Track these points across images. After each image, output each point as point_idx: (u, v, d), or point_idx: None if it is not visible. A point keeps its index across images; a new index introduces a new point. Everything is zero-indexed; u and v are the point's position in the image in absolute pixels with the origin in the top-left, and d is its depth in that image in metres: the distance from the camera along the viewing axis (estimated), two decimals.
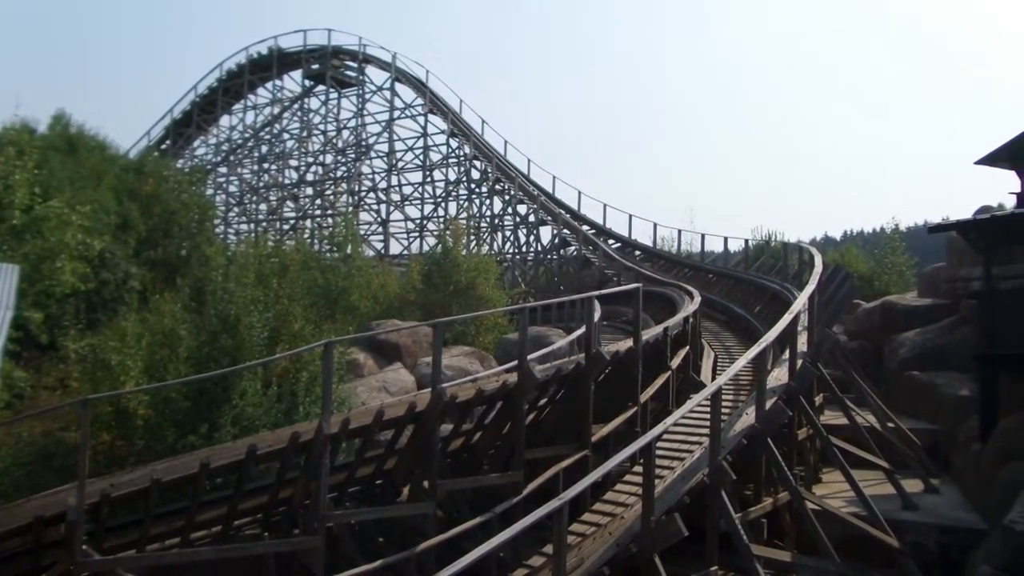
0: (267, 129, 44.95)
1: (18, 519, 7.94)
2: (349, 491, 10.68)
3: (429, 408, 9.43)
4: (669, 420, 8.81)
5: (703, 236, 28.56)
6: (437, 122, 38.99)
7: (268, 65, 44.51)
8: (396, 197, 39.68)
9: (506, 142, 38.04)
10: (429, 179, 38.95)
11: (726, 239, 27.19)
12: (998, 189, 31.47)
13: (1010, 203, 16.35)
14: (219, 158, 45.88)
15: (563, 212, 33.71)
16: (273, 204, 43.50)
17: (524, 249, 34.64)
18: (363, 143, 41.35)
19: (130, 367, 13.08)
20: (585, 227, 32.98)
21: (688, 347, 13.69)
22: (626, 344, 12.01)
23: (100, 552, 8.12)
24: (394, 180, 39.84)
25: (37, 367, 14.90)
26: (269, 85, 45.28)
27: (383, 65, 40.98)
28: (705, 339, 17.07)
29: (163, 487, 8.36)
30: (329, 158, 42.47)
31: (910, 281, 26.93)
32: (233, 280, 15.07)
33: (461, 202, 37.68)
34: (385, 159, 40.30)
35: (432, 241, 34.49)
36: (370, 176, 41.23)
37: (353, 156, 41.54)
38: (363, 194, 40.87)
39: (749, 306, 20.46)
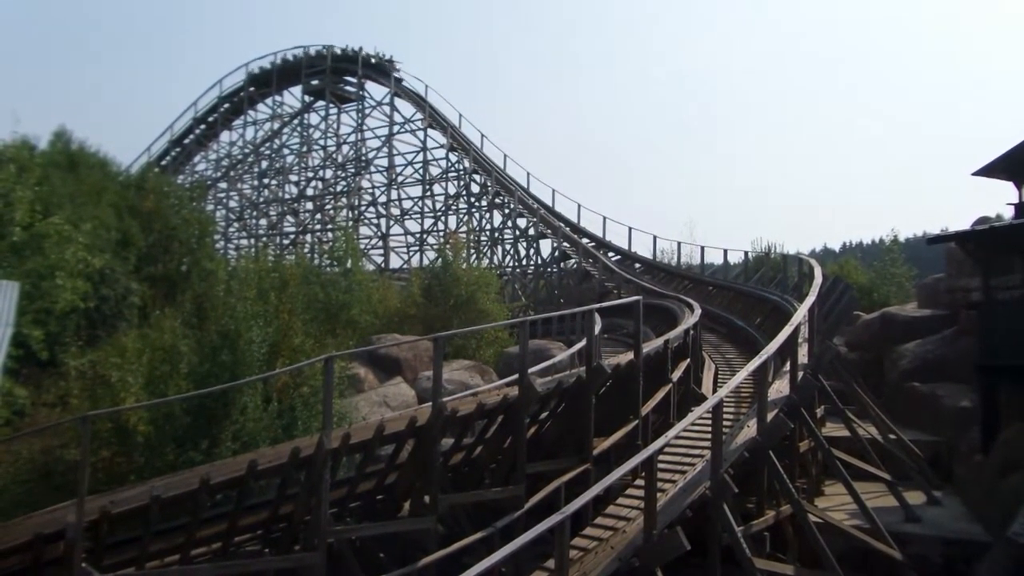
0: (267, 144, 45.18)
1: (17, 537, 7.91)
2: (350, 506, 10.64)
3: (430, 422, 9.41)
4: (670, 433, 8.80)
5: (703, 248, 28.62)
6: (436, 136, 39.21)
7: (268, 81, 44.83)
8: (396, 211, 39.82)
9: (505, 156, 38.27)
10: (429, 193, 39.10)
11: (726, 251, 27.23)
12: (996, 200, 31.66)
13: (1008, 214, 16.41)
14: (219, 173, 46.07)
15: (563, 225, 33.79)
16: (273, 219, 43.63)
17: (524, 262, 34.70)
18: (363, 158, 41.54)
19: (130, 383, 13.07)
20: (585, 240, 33.06)
21: (689, 360, 13.68)
22: (627, 357, 12.00)
23: (100, 569, 8.08)
24: (394, 194, 40.01)
25: (37, 384, 14.87)
26: (269, 101, 45.63)
27: (382, 80, 41.24)
28: (706, 351, 17.07)
29: (163, 504, 8.32)
30: (329, 173, 42.66)
31: (909, 292, 26.95)
32: (234, 295, 15.09)
33: (461, 216, 37.81)
34: (385, 173, 40.47)
35: (432, 255, 34.50)
36: (370, 190, 41.41)
37: (353, 171, 41.72)
38: (363, 208, 41.00)
39: (749, 318, 20.47)
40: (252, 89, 45.20)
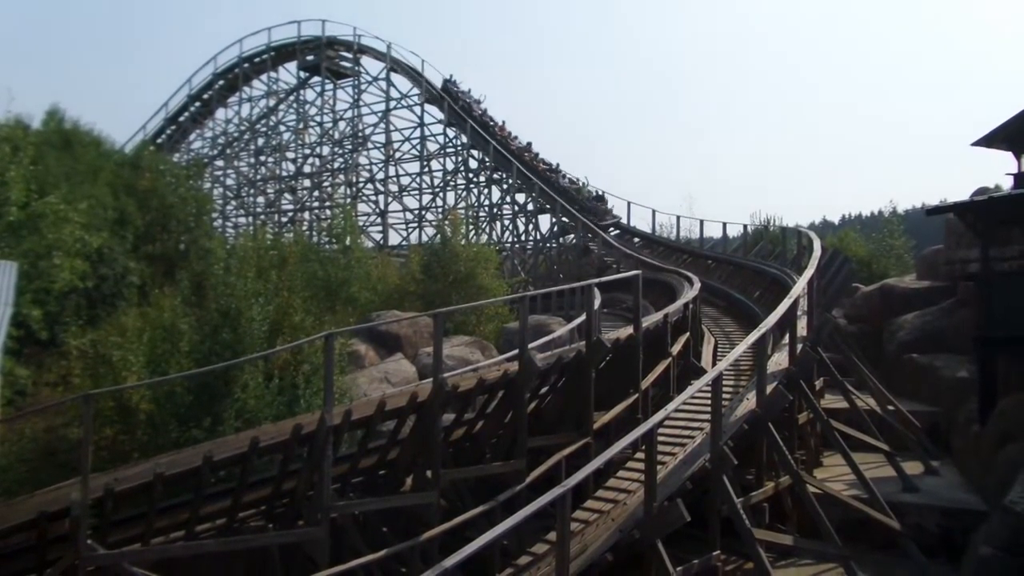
0: (263, 121, 44.76)
1: (22, 515, 7.97)
2: (352, 482, 10.72)
3: (431, 398, 9.45)
4: (670, 406, 8.82)
5: (702, 222, 28.54)
6: (434, 111, 38.85)
7: (263, 57, 44.32)
8: (394, 188, 39.58)
9: None
10: (427, 169, 38.82)
11: (725, 225, 27.18)
12: (995, 170, 31.61)
13: (1007, 184, 16.32)
14: (216, 151, 45.73)
15: (562, 200, 33.63)
16: (271, 196, 43.41)
17: (523, 238, 34.60)
18: (360, 134, 41.19)
19: (132, 362, 13.10)
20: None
21: (688, 333, 13.70)
22: (626, 331, 12.01)
23: (105, 546, 8.15)
24: (392, 171, 39.73)
25: (38, 363, 14.93)
26: (264, 77, 45.09)
27: (378, 55, 40.75)
28: (705, 325, 17.09)
29: (167, 481, 8.37)
30: (326, 150, 42.34)
31: (908, 264, 27.00)
32: (233, 273, 15.06)
33: (459, 192, 37.60)
34: (382, 150, 40.15)
35: (431, 231, 34.42)
36: (368, 167, 41.11)
37: (350, 147, 41.40)
38: (361, 185, 40.76)
39: (748, 291, 20.47)
40: (247, 65, 44.72)
